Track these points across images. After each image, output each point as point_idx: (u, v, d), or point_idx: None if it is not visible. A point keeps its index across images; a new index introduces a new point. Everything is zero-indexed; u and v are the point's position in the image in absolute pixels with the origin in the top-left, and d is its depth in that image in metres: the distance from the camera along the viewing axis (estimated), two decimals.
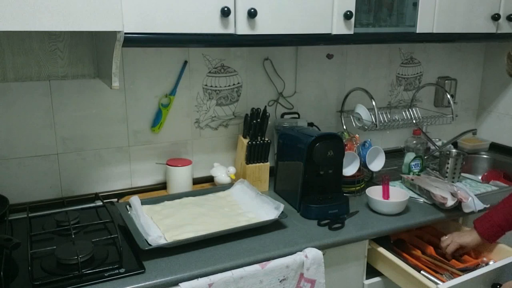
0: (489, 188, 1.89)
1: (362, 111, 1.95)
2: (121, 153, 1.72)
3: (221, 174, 1.78)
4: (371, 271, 1.55)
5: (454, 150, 1.97)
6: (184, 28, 1.34)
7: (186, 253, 1.30)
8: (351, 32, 1.60)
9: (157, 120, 1.73)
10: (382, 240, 1.53)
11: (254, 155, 1.77)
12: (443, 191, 1.64)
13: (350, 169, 1.75)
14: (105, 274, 1.18)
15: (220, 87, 1.83)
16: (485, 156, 2.36)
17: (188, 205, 1.57)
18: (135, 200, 1.52)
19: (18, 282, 1.17)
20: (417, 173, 1.97)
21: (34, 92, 1.54)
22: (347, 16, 1.55)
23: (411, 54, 2.26)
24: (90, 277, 1.17)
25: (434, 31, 1.78)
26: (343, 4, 1.55)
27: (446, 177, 1.94)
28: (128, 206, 1.53)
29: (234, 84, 1.86)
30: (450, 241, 1.52)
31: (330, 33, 1.57)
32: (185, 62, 1.74)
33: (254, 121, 1.75)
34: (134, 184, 1.78)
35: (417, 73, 2.31)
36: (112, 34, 1.24)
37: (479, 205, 1.66)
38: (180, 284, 1.19)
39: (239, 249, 1.34)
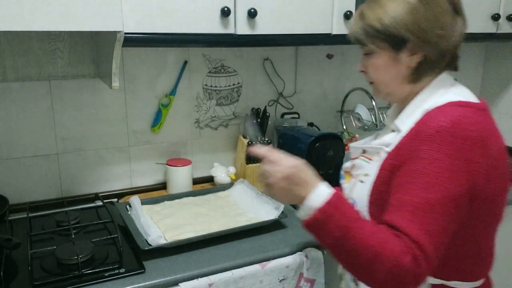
0: None
1: (362, 111, 1.95)
2: (121, 153, 1.72)
3: (221, 174, 1.78)
4: None
5: None
6: (184, 28, 1.33)
7: (186, 253, 1.30)
8: None
9: (157, 120, 1.73)
10: None
11: None
12: None
13: None
14: (105, 274, 1.18)
15: (220, 87, 1.83)
16: None
17: (188, 205, 1.57)
18: (135, 200, 1.52)
19: (18, 282, 1.17)
20: None
21: (34, 92, 1.54)
22: (347, 16, 1.55)
23: None
24: (90, 277, 1.17)
25: None
26: (343, 4, 1.55)
27: None
28: (128, 206, 1.53)
29: (234, 84, 1.86)
30: None
31: (330, 33, 1.57)
32: (185, 62, 1.74)
33: (254, 121, 1.75)
34: (134, 184, 1.78)
35: None
36: (112, 34, 1.24)
37: None
38: (180, 284, 1.19)
39: (239, 249, 1.34)
